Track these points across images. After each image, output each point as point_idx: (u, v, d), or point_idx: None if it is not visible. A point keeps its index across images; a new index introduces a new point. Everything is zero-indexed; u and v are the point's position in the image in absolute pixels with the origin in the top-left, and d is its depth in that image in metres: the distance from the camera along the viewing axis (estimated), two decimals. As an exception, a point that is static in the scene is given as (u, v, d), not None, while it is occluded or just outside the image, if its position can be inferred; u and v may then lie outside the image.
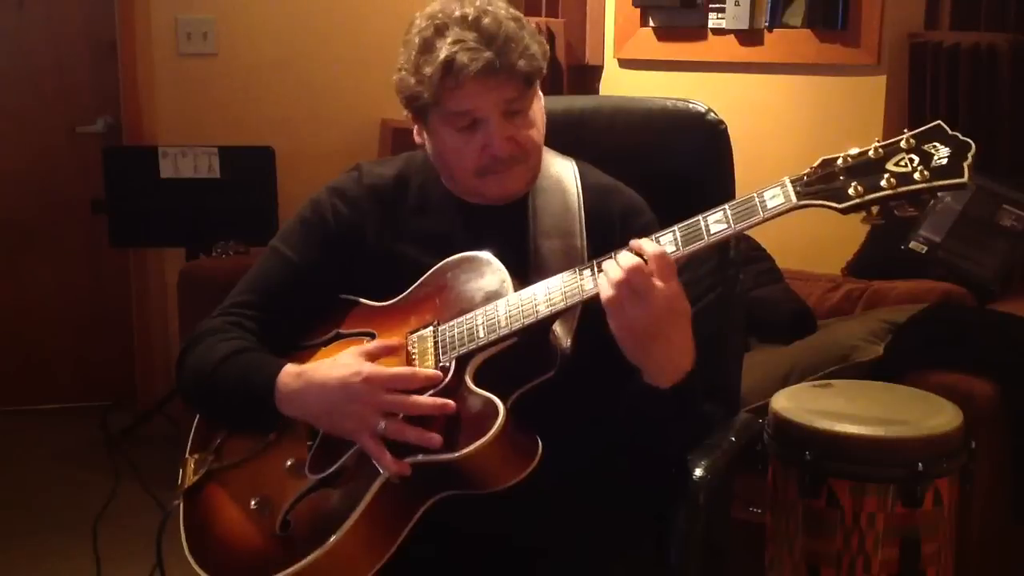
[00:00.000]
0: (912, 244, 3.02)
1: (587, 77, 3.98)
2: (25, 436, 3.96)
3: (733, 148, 1.91)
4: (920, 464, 1.92)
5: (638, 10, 3.74)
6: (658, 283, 1.35)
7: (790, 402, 2.10)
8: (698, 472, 1.63)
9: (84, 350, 4.21)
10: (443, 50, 1.49)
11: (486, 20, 1.50)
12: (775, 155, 3.37)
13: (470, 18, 1.50)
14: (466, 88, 1.50)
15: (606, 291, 1.36)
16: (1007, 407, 2.39)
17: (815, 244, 3.35)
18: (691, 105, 1.92)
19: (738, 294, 1.95)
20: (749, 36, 3.51)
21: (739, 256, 2.00)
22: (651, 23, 3.74)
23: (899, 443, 1.95)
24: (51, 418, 4.11)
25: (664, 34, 3.71)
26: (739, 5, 3.49)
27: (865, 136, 1.44)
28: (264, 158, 3.75)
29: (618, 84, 3.87)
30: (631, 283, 1.34)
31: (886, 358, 2.49)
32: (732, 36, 3.55)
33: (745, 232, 1.38)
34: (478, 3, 1.53)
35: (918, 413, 2.04)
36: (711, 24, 3.59)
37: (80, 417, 4.06)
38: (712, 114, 1.90)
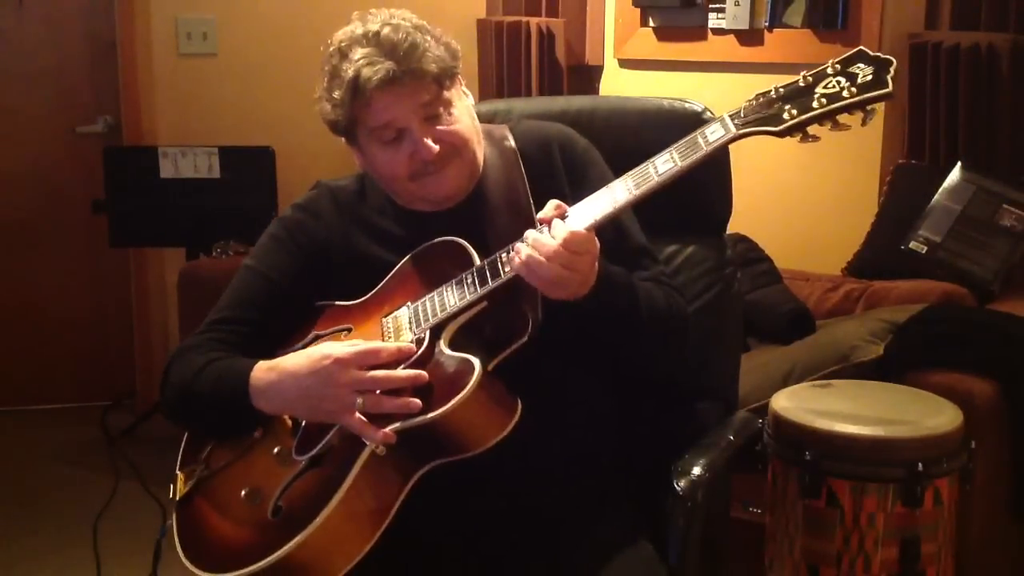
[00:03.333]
0: (912, 244, 3.02)
1: (587, 77, 3.98)
2: (25, 436, 3.97)
3: (731, 148, 1.91)
4: (920, 464, 1.92)
5: (638, 10, 3.74)
6: (577, 258, 1.41)
7: (790, 402, 2.10)
8: (696, 471, 1.63)
9: (84, 350, 4.21)
10: (349, 70, 1.54)
11: (386, 31, 1.54)
12: (775, 154, 3.37)
13: (370, 34, 1.55)
14: (377, 102, 1.54)
15: (535, 279, 1.42)
16: (1007, 407, 2.38)
17: (815, 244, 3.36)
18: (687, 105, 1.93)
19: (735, 293, 1.95)
20: (749, 36, 3.51)
21: (737, 255, 2.00)
22: (651, 23, 3.74)
23: (899, 443, 1.95)
24: (51, 418, 4.11)
25: (664, 34, 3.71)
26: (739, 5, 3.49)
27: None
28: (264, 158, 3.75)
29: (618, 84, 3.87)
30: (561, 264, 1.40)
31: (886, 358, 2.48)
32: (732, 36, 3.55)
33: (692, 168, 1.43)
34: (380, 18, 1.58)
35: (918, 413, 2.04)
36: (711, 24, 3.59)
37: (80, 417, 4.06)
38: (708, 113, 1.91)
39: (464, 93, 1.65)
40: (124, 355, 4.19)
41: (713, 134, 1.42)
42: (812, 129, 1.39)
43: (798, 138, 1.40)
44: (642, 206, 1.49)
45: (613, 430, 1.68)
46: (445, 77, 1.57)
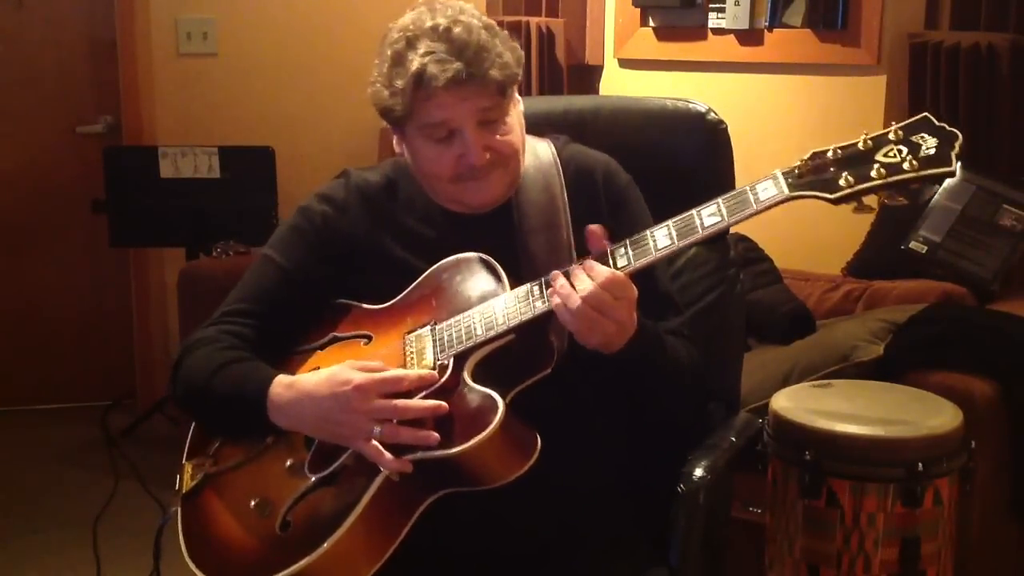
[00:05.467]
0: (912, 244, 3.02)
1: (587, 77, 3.98)
2: (25, 436, 3.97)
3: (733, 148, 1.91)
4: (920, 464, 1.92)
5: (638, 10, 3.74)
6: (614, 303, 1.39)
7: (790, 402, 2.10)
8: (698, 472, 1.63)
9: (84, 350, 4.21)
10: (414, 62, 1.50)
11: (457, 30, 1.50)
12: (775, 155, 3.36)
13: (441, 28, 1.51)
14: (438, 99, 1.50)
15: (569, 321, 1.39)
16: (1007, 407, 2.38)
17: (815, 244, 3.36)
18: (691, 105, 1.92)
19: (738, 294, 1.95)
20: (749, 36, 3.51)
21: (739, 256, 2.00)
22: (651, 23, 3.75)
23: (899, 443, 1.95)
24: (51, 418, 4.12)
25: (664, 34, 3.71)
26: (739, 5, 3.49)
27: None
28: (264, 158, 3.75)
29: (618, 84, 3.87)
30: (594, 307, 1.38)
31: (886, 358, 2.49)
32: (732, 36, 3.55)
33: (738, 224, 1.40)
34: (449, 12, 1.53)
35: (918, 413, 2.04)
36: (711, 24, 3.59)
37: (80, 417, 4.06)
38: (712, 114, 1.91)
39: (517, 100, 1.61)
40: (124, 355, 4.18)
41: (764, 192, 1.37)
42: (867, 199, 1.33)
43: (852, 207, 1.34)
44: (649, 208, 1.47)
45: (624, 449, 1.66)
46: (507, 85, 1.53)
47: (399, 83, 1.51)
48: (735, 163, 1.91)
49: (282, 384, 1.50)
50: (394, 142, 1.64)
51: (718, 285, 1.91)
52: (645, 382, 1.55)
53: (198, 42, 4.03)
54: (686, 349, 1.61)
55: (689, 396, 1.64)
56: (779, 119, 3.50)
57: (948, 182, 3.02)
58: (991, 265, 2.93)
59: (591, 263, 1.41)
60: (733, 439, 1.79)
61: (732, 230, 1.99)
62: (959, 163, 1.31)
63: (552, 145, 1.70)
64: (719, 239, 1.95)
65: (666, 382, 1.57)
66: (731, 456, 1.75)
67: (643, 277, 1.49)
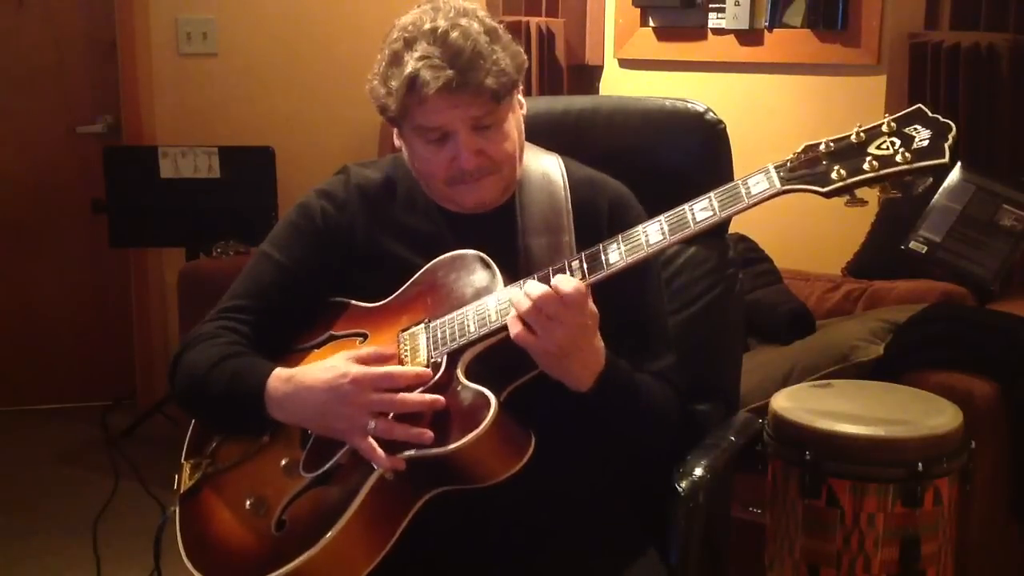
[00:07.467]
0: (912, 244, 3.01)
1: (587, 77, 3.98)
2: (25, 436, 3.97)
3: (732, 148, 1.91)
4: (920, 464, 1.92)
5: (638, 10, 3.75)
6: (570, 311, 1.37)
7: (790, 402, 2.10)
8: (697, 471, 1.63)
9: (84, 350, 4.21)
10: (408, 65, 1.49)
11: (454, 35, 1.49)
12: (775, 155, 3.36)
13: (439, 32, 1.50)
14: (430, 104, 1.50)
15: (515, 326, 1.39)
16: (1007, 407, 2.39)
17: (815, 244, 3.36)
18: (690, 105, 1.93)
19: (737, 294, 1.95)
20: (749, 36, 3.52)
21: (739, 256, 2.00)
22: (651, 23, 3.75)
23: (899, 443, 1.95)
24: (51, 418, 4.11)
25: (664, 34, 3.71)
26: (739, 5, 3.49)
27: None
28: (264, 158, 3.76)
29: (618, 84, 3.87)
30: (543, 312, 1.37)
31: (886, 358, 2.49)
32: (732, 36, 3.55)
33: (730, 218, 1.40)
34: (452, 14, 1.52)
35: (918, 413, 2.04)
36: (711, 24, 3.59)
37: (80, 417, 4.06)
38: (711, 113, 1.91)
39: (519, 103, 1.61)
40: (124, 355, 4.18)
41: (756, 186, 1.37)
42: (861, 192, 1.32)
43: (845, 200, 1.33)
44: (647, 207, 1.46)
45: (619, 449, 1.66)
46: (503, 93, 1.52)
47: (393, 84, 1.52)
48: (735, 163, 1.91)
49: (280, 378, 1.50)
50: (394, 136, 1.64)
51: (717, 284, 1.91)
52: (612, 425, 1.53)
53: (198, 42, 4.03)
54: (663, 395, 1.58)
55: (655, 438, 1.61)
56: (779, 119, 3.50)
57: (948, 182, 3.01)
58: (991, 265, 2.93)
59: (555, 279, 1.40)
60: (732, 439, 1.79)
61: (732, 230, 2.01)
62: (955, 157, 1.30)
63: (559, 159, 1.69)
64: (718, 238, 1.96)
65: (634, 428, 1.56)
66: (731, 456, 1.75)
67: (639, 312, 1.50)
